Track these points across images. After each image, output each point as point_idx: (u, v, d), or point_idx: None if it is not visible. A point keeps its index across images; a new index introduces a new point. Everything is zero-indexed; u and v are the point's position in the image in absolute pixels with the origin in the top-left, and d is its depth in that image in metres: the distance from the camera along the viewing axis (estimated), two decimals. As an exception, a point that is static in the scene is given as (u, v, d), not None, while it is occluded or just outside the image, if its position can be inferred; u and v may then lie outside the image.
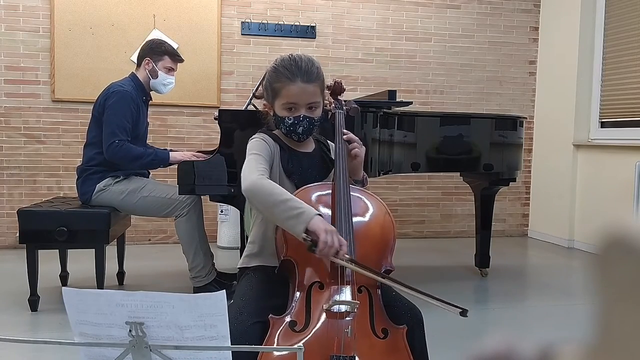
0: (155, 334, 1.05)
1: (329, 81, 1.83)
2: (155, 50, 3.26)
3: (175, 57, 3.32)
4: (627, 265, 0.27)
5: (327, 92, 1.82)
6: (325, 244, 1.39)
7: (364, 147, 1.73)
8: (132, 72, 3.31)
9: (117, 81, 3.25)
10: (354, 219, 1.57)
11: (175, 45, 4.64)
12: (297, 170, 1.71)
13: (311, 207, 1.48)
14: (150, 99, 3.40)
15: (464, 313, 1.44)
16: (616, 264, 0.27)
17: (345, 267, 1.48)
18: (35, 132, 4.57)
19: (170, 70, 3.30)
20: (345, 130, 1.73)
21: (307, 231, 1.42)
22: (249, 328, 1.43)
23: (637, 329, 0.26)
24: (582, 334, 0.29)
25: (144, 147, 3.22)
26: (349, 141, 1.71)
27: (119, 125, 3.07)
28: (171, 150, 3.33)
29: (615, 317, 0.27)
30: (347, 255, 1.44)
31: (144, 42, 3.39)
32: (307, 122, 1.67)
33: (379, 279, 1.51)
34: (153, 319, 1.04)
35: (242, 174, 1.56)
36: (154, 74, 3.26)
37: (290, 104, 1.66)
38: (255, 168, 1.57)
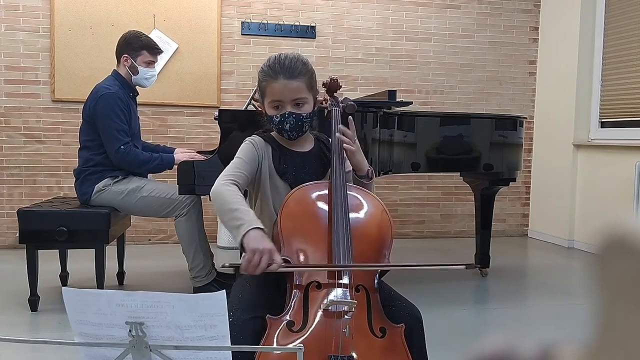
0: (155, 334, 1.04)
1: (325, 78, 1.83)
2: (132, 46, 3.18)
3: (154, 49, 3.22)
4: (627, 265, 0.27)
5: (323, 89, 1.82)
6: (248, 264, 1.39)
7: (356, 139, 1.71)
8: (114, 70, 3.26)
9: (102, 82, 3.19)
10: (351, 217, 1.56)
11: (175, 46, 4.67)
12: (291, 170, 1.71)
13: (254, 221, 1.46)
14: (137, 94, 3.35)
15: (470, 266, 1.42)
16: (616, 264, 0.27)
17: (346, 268, 1.49)
18: (35, 132, 4.57)
19: (150, 63, 3.21)
20: (342, 127, 1.72)
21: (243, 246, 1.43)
22: (244, 324, 1.43)
23: (637, 329, 0.26)
24: (582, 334, 0.29)
25: (149, 152, 3.21)
26: (342, 133, 1.70)
27: (117, 129, 3.05)
28: (173, 149, 3.32)
29: (615, 317, 0.27)
30: (282, 265, 1.43)
31: (120, 36, 3.28)
32: (294, 119, 1.66)
33: (361, 268, 1.51)
34: (153, 319, 1.04)
35: None
36: (134, 70, 3.19)
37: (276, 101, 1.67)
38: (228, 173, 1.61)
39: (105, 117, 3.05)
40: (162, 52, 3.34)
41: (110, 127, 3.04)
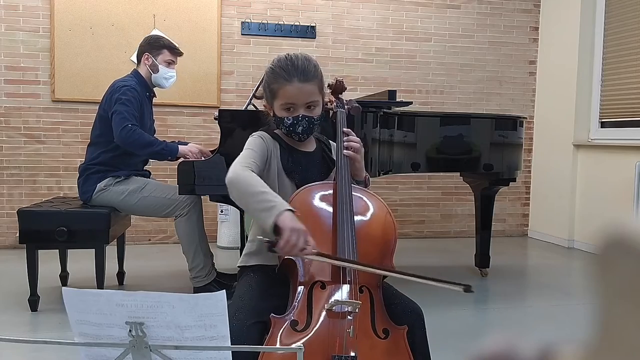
0: (155, 334, 1.04)
1: (330, 80, 1.83)
2: (153, 45, 3.27)
3: (174, 50, 3.31)
4: (627, 265, 0.27)
5: (328, 90, 1.81)
6: (286, 243, 1.35)
7: (362, 148, 1.72)
8: (134, 69, 3.32)
9: (120, 78, 3.25)
10: (356, 219, 1.56)
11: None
12: (297, 169, 1.71)
13: (285, 203, 1.43)
14: (154, 95, 3.39)
15: (468, 289, 1.40)
16: (616, 264, 0.27)
17: (347, 267, 1.48)
18: (35, 132, 4.57)
19: (170, 63, 3.29)
20: (346, 130, 1.72)
21: (276, 227, 1.39)
22: (247, 328, 1.43)
23: (637, 329, 0.26)
24: (582, 334, 0.29)
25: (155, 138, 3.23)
26: (347, 134, 1.70)
27: (128, 112, 3.07)
28: (180, 143, 3.33)
29: (615, 317, 0.27)
30: (314, 250, 1.40)
31: (143, 39, 3.39)
32: (307, 122, 1.66)
33: (369, 269, 1.50)
34: (153, 319, 1.04)
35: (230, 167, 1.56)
36: (154, 69, 3.26)
37: (289, 104, 1.65)
38: (243, 161, 1.57)
39: (122, 102, 3.08)
40: (182, 53, 3.40)
41: (122, 110, 3.07)
